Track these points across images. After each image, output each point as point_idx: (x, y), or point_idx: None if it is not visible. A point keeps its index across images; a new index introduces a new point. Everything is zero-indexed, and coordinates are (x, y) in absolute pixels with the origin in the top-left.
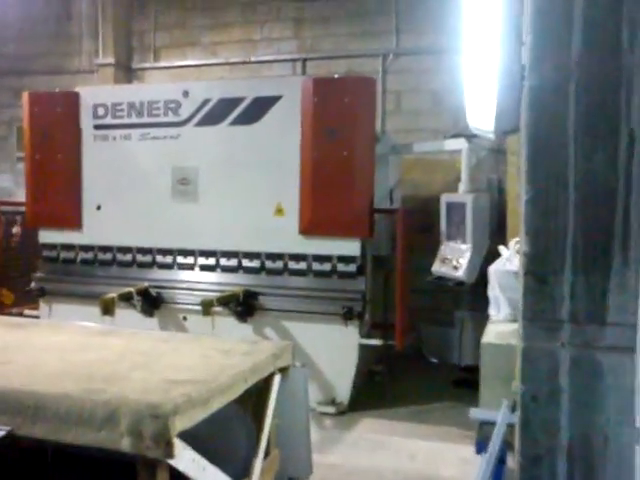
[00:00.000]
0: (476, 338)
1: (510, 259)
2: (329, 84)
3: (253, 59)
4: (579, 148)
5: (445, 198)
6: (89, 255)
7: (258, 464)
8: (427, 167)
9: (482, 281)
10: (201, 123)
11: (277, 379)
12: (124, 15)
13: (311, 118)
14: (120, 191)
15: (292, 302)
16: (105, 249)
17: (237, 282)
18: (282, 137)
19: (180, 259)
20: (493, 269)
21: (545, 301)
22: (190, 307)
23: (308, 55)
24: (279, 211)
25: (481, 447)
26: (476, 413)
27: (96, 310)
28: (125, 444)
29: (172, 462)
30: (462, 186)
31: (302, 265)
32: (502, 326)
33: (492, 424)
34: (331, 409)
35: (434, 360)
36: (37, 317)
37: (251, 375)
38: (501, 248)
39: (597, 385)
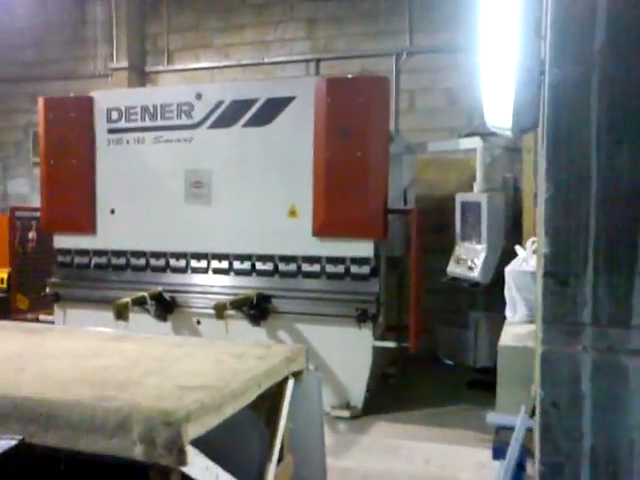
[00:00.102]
0: (491, 339)
1: (527, 259)
2: (342, 84)
3: (266, 60)
4: (602, 145)
5: (460, 198)
6: (103, 260)
7: (272, 469)
8: (441, 166)
9: (497, 282)
10: (214, 125)
11: (291, 383)
12: (137, 19)
13: (325, 118)
14: (134, 195)
15: (306, 305)
16: (119, 253)
17: (250, 285)
18: (295, 138)
19: (193, 263)
20: (509, 270)
21: (566, 303)
22: (204, 311)
23: (321, 55)
24: (292, 213)
25: (498, 452)
26: (493, 418)
27: (110, 315)
28: (137, 452)
29: (185, 469)
30: (477, 185)
31: (315, 267)
32: (519, 328)
33: (509, 429)
34: (345, 413)
35: (449, 362)
36: (52, 322)
37: (265, 380)
38: (517, 248)
39: (621, 390)
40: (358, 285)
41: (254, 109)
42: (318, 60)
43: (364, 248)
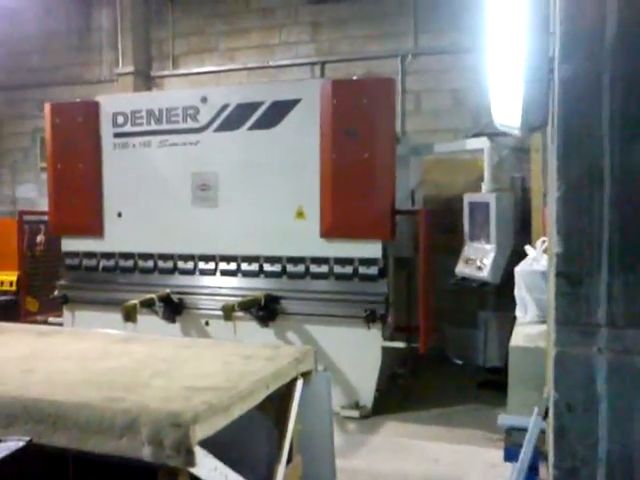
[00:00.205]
0: (501, 339)
1: (537, 259)
2: (348, 86)
3: (271, 64)
4: (615, 141)
5: (468, 198)
6: (111, 262)
7: (281, 470)
8: (449, 167)
9: (507, 282)
10: (220, 128)
11: (299, 384)
12: (143, 24)
13: (330, 120)
14: (140, 198)
15: (314, 306)
16: (126, 256)
17: (258, 286)
18: (301, 140)
19: (201, 265)
20: (519, 269)
21: (579, 304)
22: (212, 312)
23: (326, 58)
24: (300, 214)
25: (510, 454)
26: (504, 419)
27: (119, 317)
28: (146, 453)
29: (193, 470)
30: (485, 185)
31: (324, 268)
32: (530, 328)
33: (521, 430)
34: (355, 413)
35: (458, 362)
36: (61, 324)
37: (273, 381)
38: (527, 248)
39: (639, 393)
40: (366, 286)
41: (260, 112)
42: (323, 63)
43: (372, 249)
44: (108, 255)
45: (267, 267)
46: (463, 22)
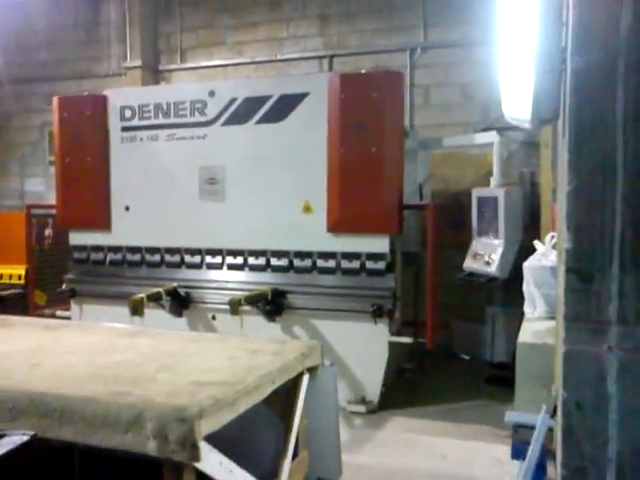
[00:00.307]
0: (509, 335)
1: (546, 254)
2: (356, 80)
3: (279, 57)
4: (629, 134)
5: (476, 192)
6: (118, 256)
7: (287, 465)
8: (457, 162)
9: (515, 277)
10: (228, 122)
11: (306, 379)
12: (151, 18)
13: (338, 114)
14: (148, 192)
15: (321, 300)
16: (134, 250)
17: (265, 281)
18: (309, 134)
19: (208, 259)
20: (528, 265)
21: (590, 301)
22: (219, 306)
23: (335, 52)
24: (307, 209)
25: (518, 452)
26: (512, 416)
27: (126, 310)
28: (151, 447)
29: (198, 465)
30: (493, 180)
31: (331, 263)
32: (538, 324)
33: (529, 427)
34: (361, 408)
35: (466, 357)
36: (69, 318)
37: (279, 375)
38: (536, 243)
39: None
40: (374, 281)
41: (267, 106)
42: (331, 56)
43: (379, 244)
44: (115, 249)
45: (274, 261)
46: (473, 15)
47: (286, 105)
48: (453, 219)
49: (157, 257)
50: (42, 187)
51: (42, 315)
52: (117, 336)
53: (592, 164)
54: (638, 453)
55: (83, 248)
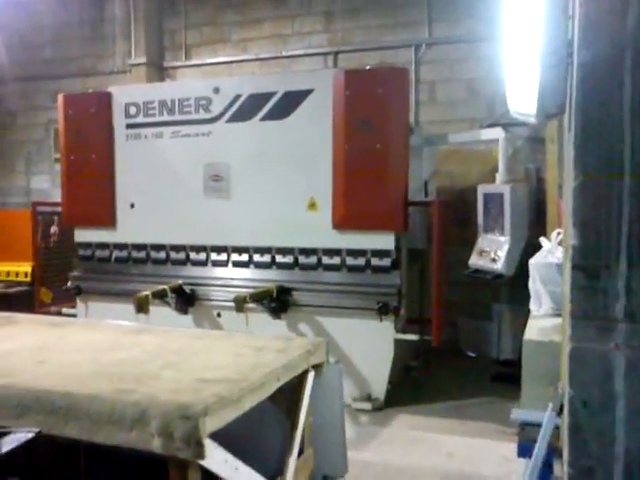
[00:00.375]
0: (515, 332)
1: (552, 251)
2: (361, 76)
3: (284, 54)
4: (636, 128)
5: (482, 189)
6: (123, 253)
7: (292, 462)
8: (463, 158)
9: (521, 274)
10: (232, 119)
11: (311, 376)
12: (155, 15)
13: (343, 111)
14: (153, 189)
15: (326, 297)
16: (139, 247)
17: (271, 278)
18: (314, 131)
19: (213, 256)
20: (534, 262)
21: (596, 298)
22: (224, 304)
23: (339, 48)
24: (312, 206)
25: (524, 450)
26: (518, 414)
27: (131, 308)
28: (156, 445)
29: (203, 463)
30: (499, 176)
31: (336, 260)
32: (544, 321)
33: (535, 425)
34: (367, 405)
35: (472, 354)
36: (75, 315)
37: (284, 373)
38: (542, 240)
39: None
40: (379, 278)
41: (272, 102)
42: (336, 53)
43: (385, 240)
44: (121, 246)
45: (279, 258)
46: (478, 10)
47: (291, 102)
48: (458, 216)
49: (162, 254)
50: (48, 184)
51: (48, 312)
52: (122, 333)
53: (598, 159)
54: None
55: (88, 245)
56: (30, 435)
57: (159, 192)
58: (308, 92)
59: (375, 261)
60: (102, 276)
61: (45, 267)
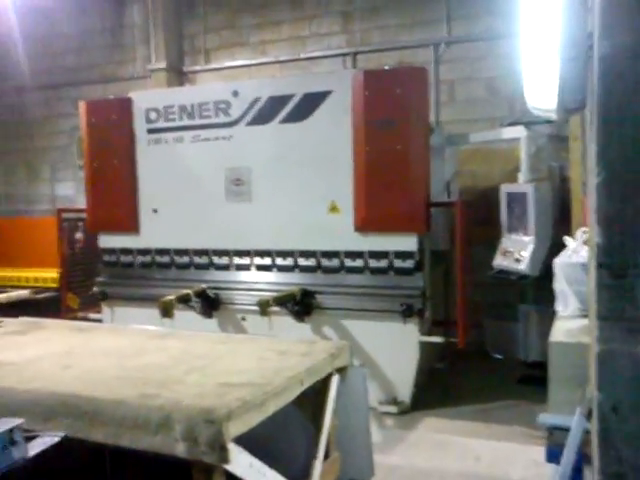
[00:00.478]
0: (542, 333)
1: (576, 250)
2: (380, 76)
3: (303, 56)
4: None
5: (505, 188)
6: (147, 258)
7: (318, 466)
8: (485, 157)
9: (547, 274)
10: (252, 122)
11: (335, 380)
12: (174, 20)
13: (363, 112)
14: (175, 194)
15: (350, 300)
16: (162, 252)
17: (294, 281)
18: (334, 132)
19: (236, 260)
20: (558, 262)
21: (624, 298)
22: (248, 307)
23: (358, 49)
24: (333, 208)
25: (552, 455)
26: (545, 418)
27: (156, 312)
28: (180, 449)
29: (228, 467)
30: (522, 175)
31: (358, 262)
32: (570, 322)
33: (564, 430)
34: (393, 408)
35: (498, 356)
36: (101, 320)
37: (308, 377)
38: (566, 239)
39: None
40: (402, 280)
41: (291, 105)
42: (355, 54)
43: (407, 242)
44: (144, 251)
45: (302, 262)
46: (497, 6)
47: (310, 103)
48: (482, 216)
49: (186, 259)
50: (72, 191)
51: (75, 318)
52: (147, 338)
53: (621, 154)
54: None
55: (113, 251)
56: (56, 439)
57: (181, 197)
58: (327, 93)
59: (398, 263)
60: (126, 281)
61: (71, 273)
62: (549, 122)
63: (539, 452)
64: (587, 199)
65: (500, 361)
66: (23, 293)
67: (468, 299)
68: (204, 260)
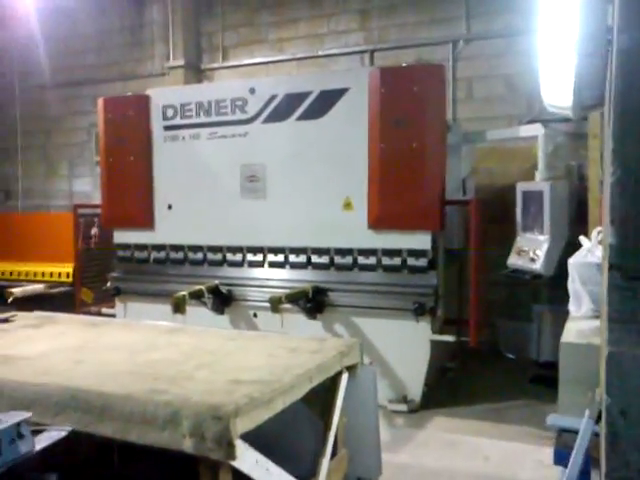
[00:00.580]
0: (555, 333)
1: (592, 250)
2: (396, 74)
3: (320, 53)
4: None
5: (521, 187)
6: (161, 254)
7: (325, 464)
8: (502, 155)
9: (562, 274)
10: (268, 120)
11: (344, 378)
12: (193, 18)
13: (379, 109)
14: (190, 190)
15: (362, 298)
16: (176, 248)
17: (306, 278)
18: (349, 130)
19: (250, 256)
20: (573, 261)
21: (635, 300)
22: (260, 304)
23: (376, 46)
24: (347, 205)
25: (560, 457)
26: (554, 420)
27: (169, 308)
28: (187, 445)
29: (235, 463)
30: (539, 174)
31: (372, 260)
32: (583, 323)
33: (573, 432)
34: (403, 407)
35: (511, 356)
36: (114, 315)
37: (317, 374)
38: (582, 238)
39: None
40: (416, 278)
41: (307, 102)
42: (372, 51)
43: (421, 240)
44: (159, 247)
45: (315, 259)
46: (516, 3)
47: (326, 101)
48: (498, 214)
49: (199, 255)
50: (89, 187)
51: (89, 312)
52: (158, 334)
53: (638, 151)
54: None
55: (127, 247)
56: (63, 433)
57: (196, 193)
58: (343, 91)
59: (411, 261)
60: (140, 277)
61: (86, 268)
62: (567, 120)
63: (549, 453)
64: (603, 198)
65: (512, 361)
66: (38, 287)
67: (482, 298)
68: (217, 256)
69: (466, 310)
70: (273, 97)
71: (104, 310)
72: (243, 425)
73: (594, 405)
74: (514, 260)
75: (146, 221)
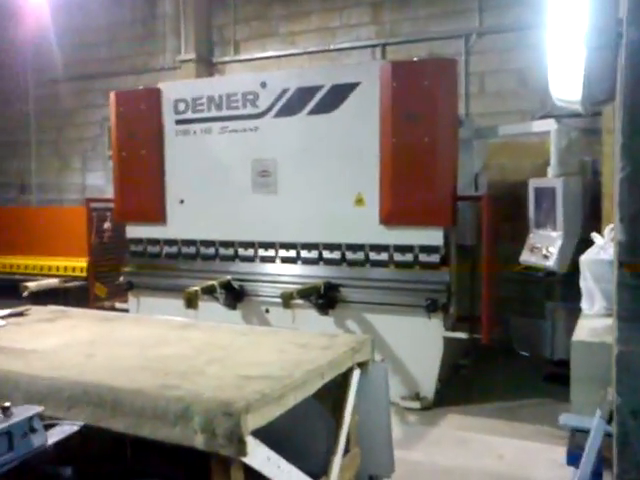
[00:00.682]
0: (569, 330)
1: (604, 247)
2: (408, 68)
3: (332, 47)
4: None
5: (533, 183)
6: (173, 249)
7: (337, 461)
8: (515, 151)
9: (575, 271)
10: (279, 114)
11: (356, 374)
12: (205, 11)
13: (390, 104)
14: (202, 185)
15: (374, 294)
16: (189, 243)
17: (318, 274)
18: (361, 124)
19: (261, 252)
20: (585, 259)
21: None
22: (272, 300)
23: (387, 40)
24: (359, 201)
25: (573, 457)
26: (567, 419)
27: (181, 303)
28: (198, 441)
29: (246, 460)
30: (551, 170)
31: (383, 256)
32: (595, 321)
33: (585, 432)
34: (415, 404)
35: (524, 353)
36: (127, 310)
37: (328, 370)
38: (594, 235)
39: None
40: (428, 274)
41: (319, 96)
42: (384, 45)
43: (433, 236)
44: (171, 242)
45: (326, 254)
46: None
47: (338, 95)
48: (510, 210)
49: (212, 250)
50: (102, 181)
51: (102, 307)
52: (170, 329)
53: None
54: None
55: (139, 241)
56: (75, 428)
57: (208, 188)
58: (355, 85)
59: (423, 257)
60: (153, 272)
61: (99, 262)
62: (581, 115)
63: (563, 453)
64: (613, 194)
65: (526, 358)
66: (52, 282)
67: (494, 295)
68: (229, 252)
69: (479, 307)
70: (284, 91)
71: (117, 305)
72: (254, 421)
73: (605, 404)
74: (527, 257)
75: (158, 215)
